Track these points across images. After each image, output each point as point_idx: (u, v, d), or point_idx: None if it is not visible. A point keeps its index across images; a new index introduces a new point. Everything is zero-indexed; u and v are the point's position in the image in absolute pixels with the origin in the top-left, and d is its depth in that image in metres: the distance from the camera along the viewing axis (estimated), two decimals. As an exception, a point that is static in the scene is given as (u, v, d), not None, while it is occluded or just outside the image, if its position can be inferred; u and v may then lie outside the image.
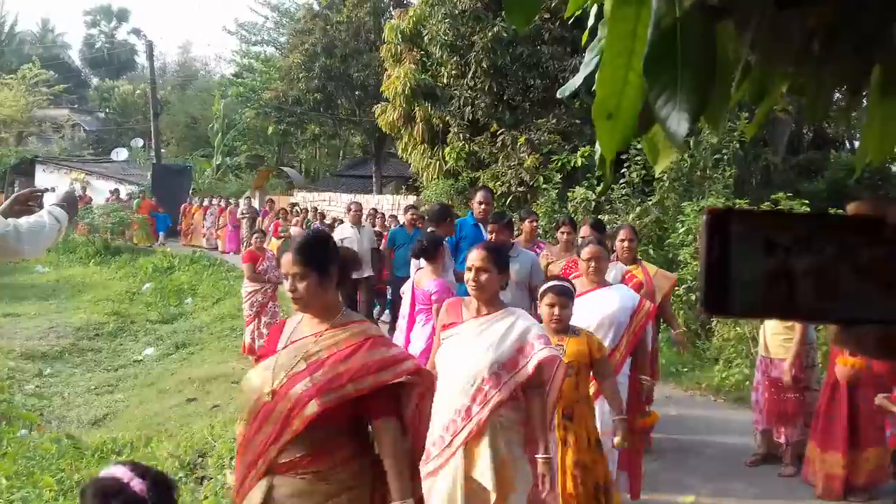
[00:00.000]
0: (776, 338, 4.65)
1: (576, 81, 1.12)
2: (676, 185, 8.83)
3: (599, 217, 7.88)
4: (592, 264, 3.73)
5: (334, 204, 17.62)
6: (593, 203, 9.49)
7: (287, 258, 2.13)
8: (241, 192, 21.73)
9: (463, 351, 2.75)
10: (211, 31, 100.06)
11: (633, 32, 0.81)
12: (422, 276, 4.65)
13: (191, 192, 22.18)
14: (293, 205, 16.89)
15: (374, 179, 20.43)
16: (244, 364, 7.42)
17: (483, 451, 2.64)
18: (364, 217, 9.56)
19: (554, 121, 11.19)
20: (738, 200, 8.06)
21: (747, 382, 6.06)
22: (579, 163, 10.50)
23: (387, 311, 9.06)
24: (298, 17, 23.09)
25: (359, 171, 23.12)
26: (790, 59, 0.99)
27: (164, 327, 10.73)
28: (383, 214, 12.18)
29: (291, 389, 2.07)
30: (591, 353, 3.19)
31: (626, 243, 4.73)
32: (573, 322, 3.35)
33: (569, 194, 9.89)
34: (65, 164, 27.00)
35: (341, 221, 11.35)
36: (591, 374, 3.25)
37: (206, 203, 19.46)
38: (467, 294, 2.93)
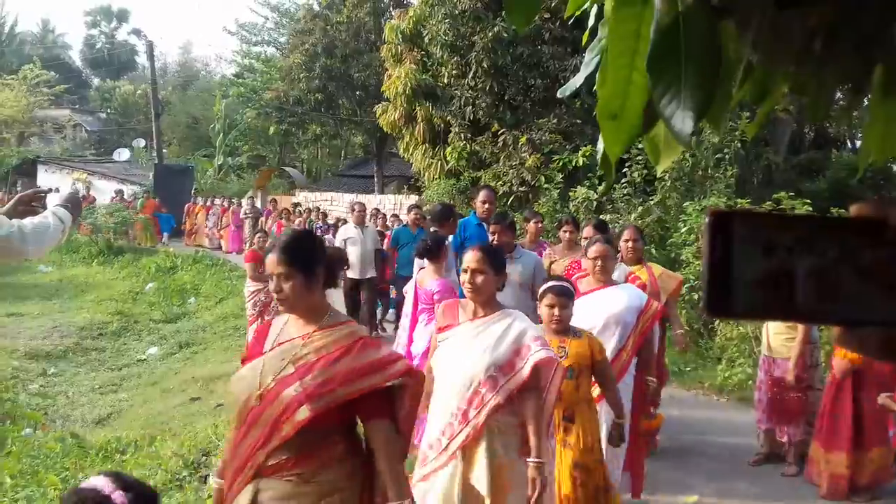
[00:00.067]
0: (779, 337, 4.65)
1: (576, 81, 1.12)
2: (678, 184, 8.82)
3: (601, 217, 7.88)
4: (599, 263, 3.69)
5: (336, 204, 17.63)
6: (595, 203, 9.49)
7: (272, 258, 2.09)
8: (243, 192, 21.75)
9: (459, 354, 2.72)
10: (211, 31, 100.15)
11: (636, 32, 0.81)
12: (424, 276, 4.65)
13: (193, 192, 22.21)
14: (295, 205, 16.91)
15: (375, 179, 20.43)
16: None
17: (480, 456, 2.62)
18: (367, 217, 9.57)
19: (555, 120, 11.19)
20: (739, 200, 8.06)
21: (750, 382, 6.06)
22: (581, 162, 10.50)
23: (391, 311, 9.06)
24: (299, 18, 23.09)
25: (360, 171, 23.12)
26: (791, 59, 0.99)
27: (167, 327, 10.75)
28: (385, 214, 12.19)
29: (281, 394, 2.02)
30: (592, 355, 3.15)
31: (630, 244, 4.68)
32: (580, 320, 3.34)
33: (570, 194, 9.88)
34: (67, 164, 27.06)
35: (345, 221, 11.36)
36: (592, 376, 3.22)
37: (208, 203, 19.50)
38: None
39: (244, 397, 2.09)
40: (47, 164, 26.98)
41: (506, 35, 11.22)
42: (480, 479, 2.59)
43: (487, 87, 11.69)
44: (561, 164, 10.74)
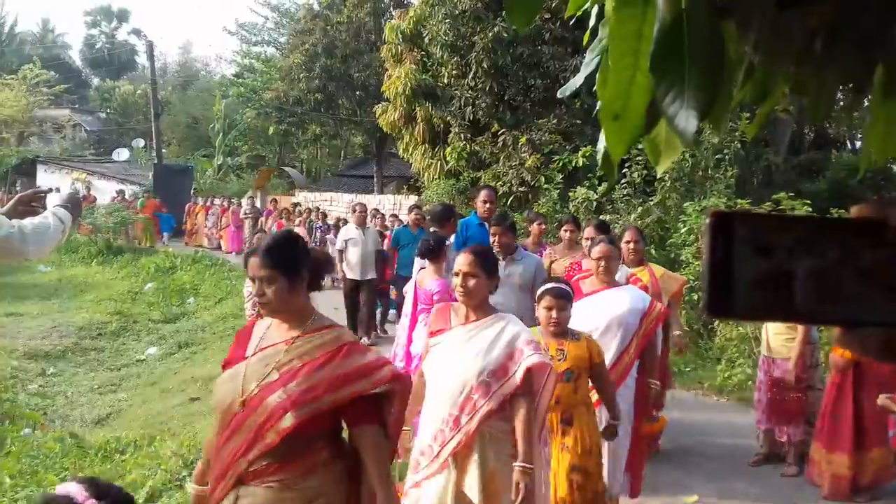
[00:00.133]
0: (778, 337, 4.65)
1: (577, 81, 1.12)
2: (678, 185, 8.82)
3: (601, 217, 7.88)
4: (603, 264, 3.64)
5: (335, 204, 17.63)
6: (595, 203, 9.49)
7: (255, 261, 2.03)
8: (243, 192, 21.75)
9: (451, 359, 2.67)
10: (211, 31, 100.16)
11: (638, 32, 0.81)
12: (424, 276, 4.65)
13: (193, 192, 22.23)
14: (295, 205, 16.91)
15: (375, 179, 20.43)
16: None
17: (472, 463, 2.58)
18: (368, 218, 9.57)
19: (555, 121, 11.19)
20: (739, 200, 8.06)
21: (750, 382, 6.06)
22: (580, 163, 10.50)
23: (392, 312, 9.05)
24: (299, 18, 23.09)
25: (360, 171, 23.13)
26: (792, 59, 0.99)
27: (166, 327, 10.74)
28: (383, 215, 12.19)
29: (265, 400, 1.97)
30: (591, 358, 3.11)
31: (631, 245, 4.63)
32: (582, 321, 3.31)
33: (570, 194, 9.88)
34: (66, 164, 27.07)
35: (345, 221, 11.37)
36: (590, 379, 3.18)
37: (207, 203, 19.52)
38: None
39: (227, 403, 2.04)
40: (47, 163, 27.00)
41: (506, 35, 11.22)
42: (472, 486, 2.55)
43: (487, 88, 11.69)
44: (561, 164, 10.74)
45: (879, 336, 0.54)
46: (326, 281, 11.86)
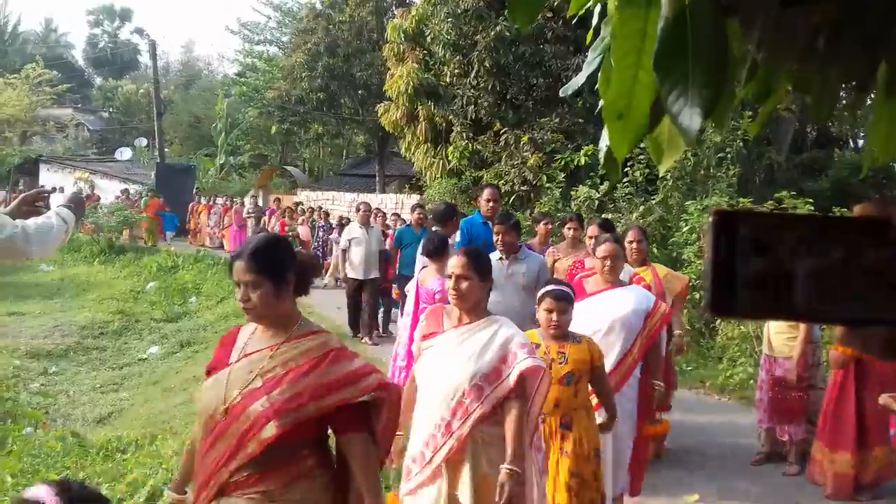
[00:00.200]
0: (780, 336, 4.65)
1: (579, 80, 1.12)
2: (680, 183, 8.82)
3: (603, 216, 7.87)
4: (608, 263, 3.58)
5: (338, 203, 17.64)
6: (597, 202, 9.48)
7: (239, 265, 1.95)
8: (245, 191, 21.80)
9: (443, 362, 2.62)
10: (214, 30, 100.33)
11: (641, 31, 0.81)
12: (426, 275, 4.65)
13: (195, 191, 22.26)
14: (297, 204, 16.93)
15: (377, 178, 20.43)
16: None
17: (464, 469, 2.53)
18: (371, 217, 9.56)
19: (557, 120, 11.18)
20: (741, 199, 8.05)
21: (751, 381, 6.05)
22: (583, 162, 10.49)
23: (394, 311, 9.05)
24: (301, 17, 23.10)
25: (362, 170, 23.13)
26: (795, 57, 0.99)
27: (168, 326, 10.76)
28: (385, 214, 12.19)
29: (247, 408, 1.91)
30: (592, 361, 3.07)
31: (634, 245, 4.58)
32: (585, 321, 3.28)
33: (572, 193, 9.88)
34: (69, 163, 27.13)
35: (348, 220, 11.38)
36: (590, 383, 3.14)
37: (210, 202, 19.55)
38: None
39: (210, 410, 1.98)
40: (49, 163, 27.06)
41: (508, 34, 11.21)
42: (465, 492, 2.52)
43: (489, 87, 11.68)
44: (563, 163, 10.73)
45: (882, 335, 0.54)
46: (330, 281, 11.88)
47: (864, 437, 4.19)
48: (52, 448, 5.12)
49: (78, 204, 2.54)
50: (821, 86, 1.03)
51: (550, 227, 6.12)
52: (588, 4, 1.11)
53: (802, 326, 4.49)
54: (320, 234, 13.66)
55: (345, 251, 8.59)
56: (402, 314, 5.20)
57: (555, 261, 5.33)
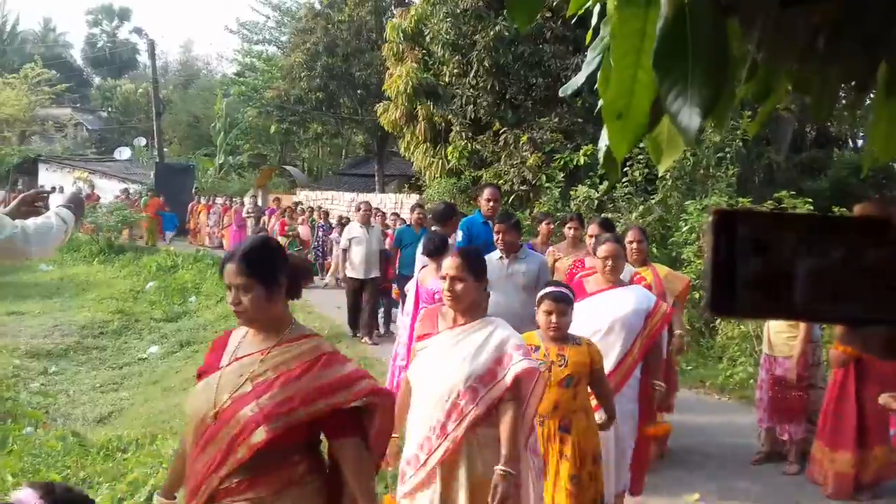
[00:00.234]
0: (780, 336, 4.65)
1: (578, 80, 1.12)
2: (679, 183, 8.82)
3: (603, 215, 7.87)
4: (609, 263, 3.57)
5: (337, 203, 17.64)
6: (596, 202, 9.49)
7: (231, 268, 1.93)
8: (244, 190, 21.79)
9: (438, 363, 2.59)
10: (212, 30, 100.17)
11: (641, 31, 0.81)
12: (426, 275, 4.64)
13: (194, 191, 22.26)
14: (296, 203, 16.93)
15: (376, 178, 20.43)
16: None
17: (460, 472, 2.51)
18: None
19: (556, 119, 11.18)
20: (741, 199, 8.06)
21: (751, 381, 6.06)
22: (582, 161, 10.49)
23: (394, 311, 9.05)
24: (300, 17, 23.10)
25: (361, 170, 23.13)
26: (795, 57, 0.99)
27: (168, 325, 10.75)
28: (384, 213, 12.19)
29: (237, 413, 1.89)
30: (591, 364, 3.05)
31: (634, 245, 4.56)
32: (585, 321, 3.26)
33: (571, 193, 9.89)
34: (68, 163, 27.12)
35: (347, 220, 11.37)
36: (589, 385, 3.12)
37: (209, 202, 19.56)
38: None
39: (200, 414, 1.96)
40: (48, 162, 27.06)
41: (507, 34, 11.21)
42: (461, 495, 2.50)
43: (489, 86, 11.68)
44: (562, 162, 10.74)
45: (882, 334, 0.54)
46: (331, 280, 11.87)
47: (865, 437, 4.20)
48: (53, 448, 5.12)
49: (77, 204, 2.54)
50: (820, 86, 1.03)
51: (552, 226, 6.11)
52: (587, 4, 1.11)
53: (802, 326, 4.50)
54: (320, 233, 13.66)
55: (345, 251, 8.59)
56: (402, 314, 5.20)
57: (555, 260, 5.33)
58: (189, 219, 20.31)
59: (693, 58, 0.77)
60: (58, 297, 12.78)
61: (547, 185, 10.49)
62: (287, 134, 24.55)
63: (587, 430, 3.07)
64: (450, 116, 12.74)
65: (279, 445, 1.88)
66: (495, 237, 4.56)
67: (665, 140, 0.99)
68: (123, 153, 28.42)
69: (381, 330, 8.87)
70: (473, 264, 2.64)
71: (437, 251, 4.58)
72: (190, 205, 20.42)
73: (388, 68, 14.65)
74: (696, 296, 7.02)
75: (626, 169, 9.10)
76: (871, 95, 1.02)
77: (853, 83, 1.03)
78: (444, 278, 2.64)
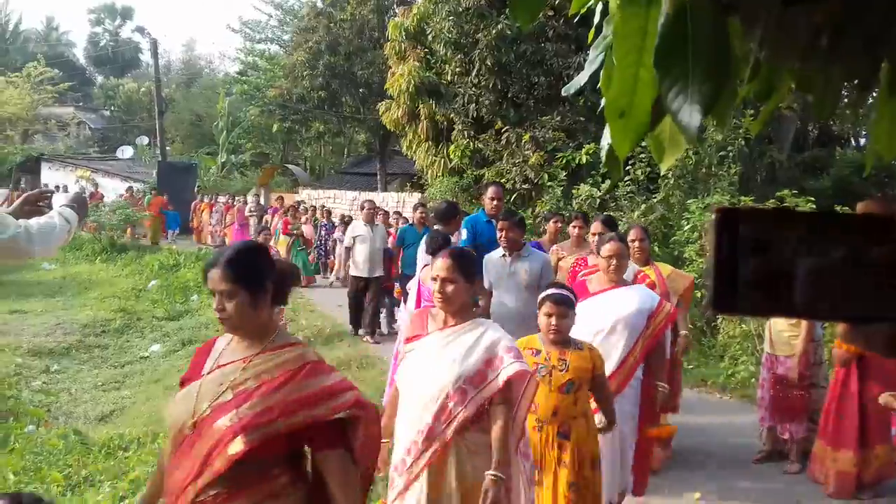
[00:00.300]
0: (782, 335, 4.64)
1: (581, 79, 1.12)
2: (681, 182, 8.81)
3: (606, 214, 7.87)
4: (613, 262, 3.54)
5: (339, 201, 17.65)
6: (598, 200, 9.48)
7: (215, 273, 1.88)
8: (246, 189, 21.81)
9: (427, 365, 2.55)
10: (215, 29, 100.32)
11: (642, 29, 0.81)
12: (428, 274, 4.64)
13: (196, 189, 22.28)
14: (299, 202, 16.95)
15: (378, 177, 20.43)
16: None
17: (448, 477, 2.45)
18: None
19: (558, 118, 11.17)
20: (743, 198, 8.04)
21: (753, 380, 6.05)
22: (584, 160, 10.48)
23: (397, 309, 9.05)
24: (302, 15, 23.12)
25: (363, 169, 23.14)
26: (797, 56, 0.99)
27: (170, 324, 10.76)
28: (387, 212, 12.19)
29: (215, 423, 1.83)
30: (593, 369, 3.01)
31: (636, 244, 4.53)
32: (587, 321, 3.24)
33: (573, 191, 9.88)
34: (70, 161, 27.18)
35: (350, 218, 11.37)
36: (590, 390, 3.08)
37: (212, 200, 19.59)
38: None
39: (179, 423, 1.90)
40: (51, 161, 27.12)
41: (509, 32, 11.20)
42: (451, 502, 2.46)
43: (491, 85, 11.67)
44: (564, 161, 10.73)
45: (885, 332, 0.54)
46: (333, 279, 11.85)
47: (866, 436, 4.19)
48: (54, 446, 5.13)
49: (81, 204, 2.54)
50: (823, 84, 1.03)
51: (560, 225, 6.10)
52: (589, 3, 1.11)
53: (804, 324, 4.49)
54: (323, 232, 13.67)
55: (349, 249, 8.59)
56: (404, 312, 5.20)
57: (559, 259, 5.31)
58: (192, 217, 20.34)
59: (693, 56, 0.77)
60: (60, 296, 12.81)
61: (549, 183, 10.49)
62: (289, 133, 24.57)
63: (587, 435, 3.03)
64: (452, 115, 12.74)
65: (258, 457, 1.82)
66: (498, 234, 4.54)
67: (667, 139, 0.99)
68: (126, 152, 28.46)
69: (385, 329, 8.87)
70: (464, 266, 2.60)
71: (439, 250, 4.58)
72: (193, 203, 20.45)
73: (390, 67, 14.64)
74: (698, 294, 7.02)
75: (628, 167, 9.08)
76: (874, 94, 1.02)
77: (856, 82, 1.03)
78: (434, 279, 2.60)
